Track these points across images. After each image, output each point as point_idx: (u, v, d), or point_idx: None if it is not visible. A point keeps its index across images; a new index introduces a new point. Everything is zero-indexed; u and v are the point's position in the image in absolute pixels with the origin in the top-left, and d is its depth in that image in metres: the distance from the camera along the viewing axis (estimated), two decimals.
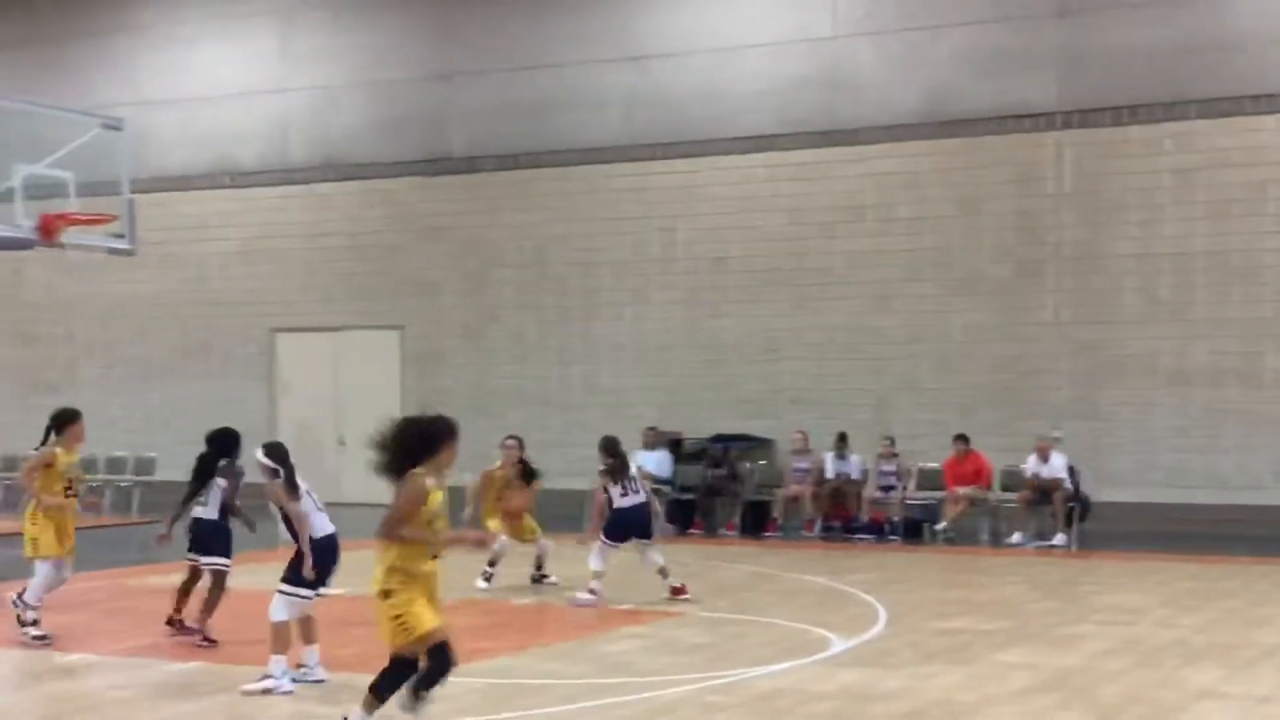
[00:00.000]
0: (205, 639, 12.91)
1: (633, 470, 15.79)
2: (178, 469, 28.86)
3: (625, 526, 15.57)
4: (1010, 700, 10.49)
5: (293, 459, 11.73)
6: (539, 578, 16.96)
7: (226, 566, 13.26)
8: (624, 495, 15.54)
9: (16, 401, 30.64)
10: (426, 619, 8.36)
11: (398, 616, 8.52)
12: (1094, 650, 12.56)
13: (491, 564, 16.63)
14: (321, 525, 11.62)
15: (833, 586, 16.76)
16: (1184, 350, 22.67)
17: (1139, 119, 22.78)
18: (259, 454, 11.68)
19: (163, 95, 29.65)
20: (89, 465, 27.45)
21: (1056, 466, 21.48)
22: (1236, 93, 22.26)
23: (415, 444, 8.39)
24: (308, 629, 11.44)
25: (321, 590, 11.40)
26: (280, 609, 11.05)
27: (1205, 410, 22.41)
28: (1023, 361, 23.47)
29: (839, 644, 12.82)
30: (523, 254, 26.81)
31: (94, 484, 26.99)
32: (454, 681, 9.05)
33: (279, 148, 28.89)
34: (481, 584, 16.38)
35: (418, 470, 8.47)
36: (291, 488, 11.44)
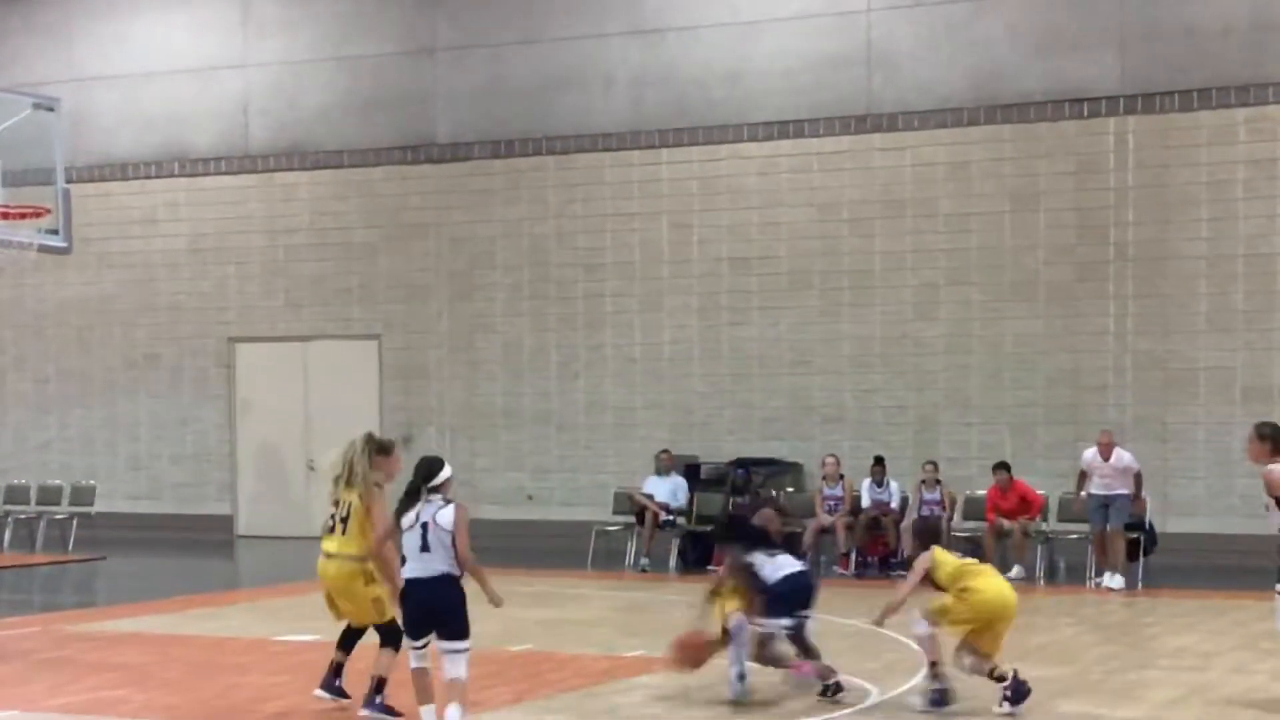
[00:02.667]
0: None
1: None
2: (120, 498, 29.71)
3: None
4: None
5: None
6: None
7: None
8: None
9: None
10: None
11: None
12: (1160, 699, 12.92)
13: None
14: None
15: (869, 629, 17.21)
16: (1262, 363, 23.15)
17: (1211, 103, 23.22)
18: None
19: (103, 70, 29.98)
20: (18, 494, 28.13)
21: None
22: None
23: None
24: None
25: None
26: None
27: None
28: (1081, 376, 23.97)
29: (877, 694, 13.21)
30: (517, 254, 27.28)
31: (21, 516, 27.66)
32: None
33: (237, 131, 29.27)
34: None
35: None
36: None
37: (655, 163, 26.36)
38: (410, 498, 11.09)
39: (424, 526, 10.94)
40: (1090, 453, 21.73)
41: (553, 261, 27.03)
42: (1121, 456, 21.60)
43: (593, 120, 26.74)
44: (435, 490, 11.11)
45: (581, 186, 26.91)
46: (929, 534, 13.21)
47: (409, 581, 11.10)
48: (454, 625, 10.99)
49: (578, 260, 26.86)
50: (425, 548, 10.95)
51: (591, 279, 26.76)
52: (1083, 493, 21.91)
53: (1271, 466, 12.17)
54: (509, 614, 18.11)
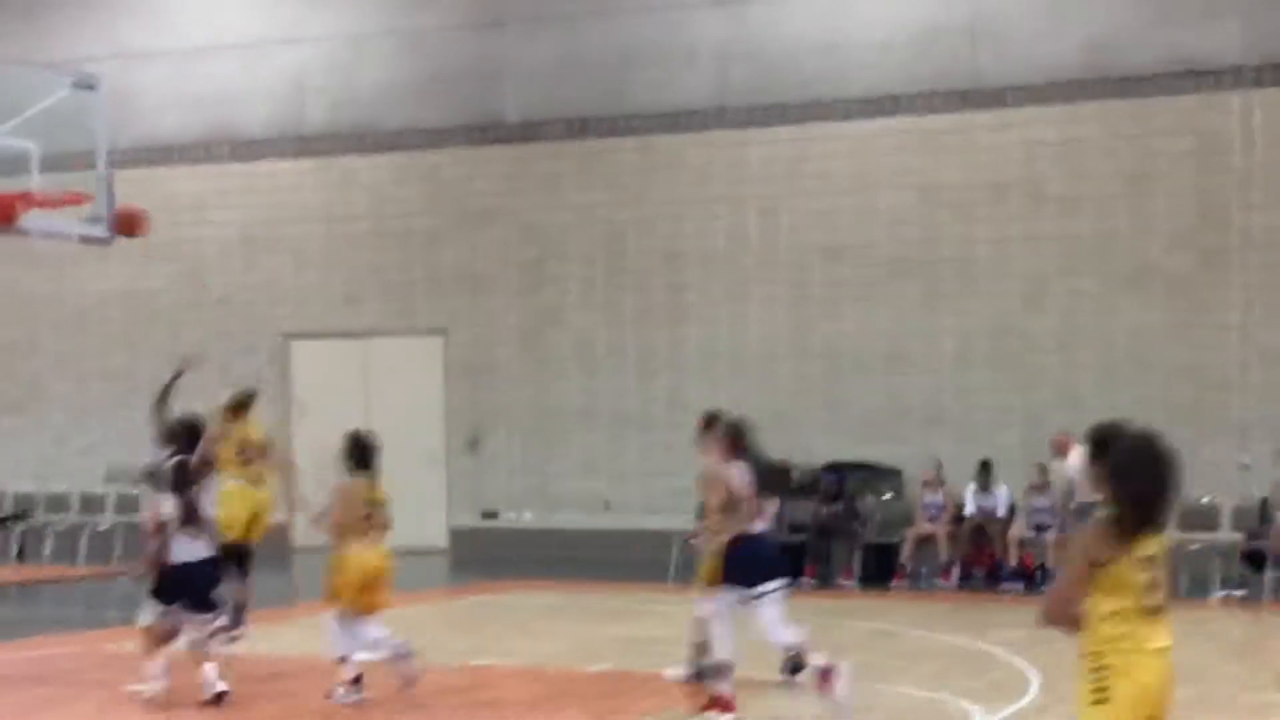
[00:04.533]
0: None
1: None
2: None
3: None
4: None
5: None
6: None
7: None
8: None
9: None
10: None
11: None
12: None
13: None
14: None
15: (973, 647, 17.12)
16: None
17: None
18: None
19: (147, 46, 30.26)
20: (59, 503, 28.45)
21: None
22: None
23: None
24: None
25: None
26: None
27: None
28: (1203, 372, 23.97)
29: (981, 717, 13.32)
30: (592, 242, 27.51)
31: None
32: None
33: (292, 111, 29.58)
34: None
35: None
36: None
37: (741, 143, 26.52)
38: None
39: None
40: None
41: (630, 250, 27.21)
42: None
43: (674, 98, 26.92)
44: None
45: (661, 169, 27.10)
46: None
47: None
48: None
49: (657, 249, 27.04)
50: None
51: (672, 269, 26.94)
52: None
53: None
54: (584, 631, 18.42)
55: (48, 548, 27.80)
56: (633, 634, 18.56)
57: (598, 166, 27.43)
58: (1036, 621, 7.25)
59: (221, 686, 14.07)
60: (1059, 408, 24.59)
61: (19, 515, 28.83)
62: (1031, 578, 22.65)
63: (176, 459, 14.68)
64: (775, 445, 25.37)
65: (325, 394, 29.06)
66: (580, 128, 27.52)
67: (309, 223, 29.38)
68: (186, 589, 14.33)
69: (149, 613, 14.33)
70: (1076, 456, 21.13)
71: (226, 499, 15.40)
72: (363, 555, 14.52)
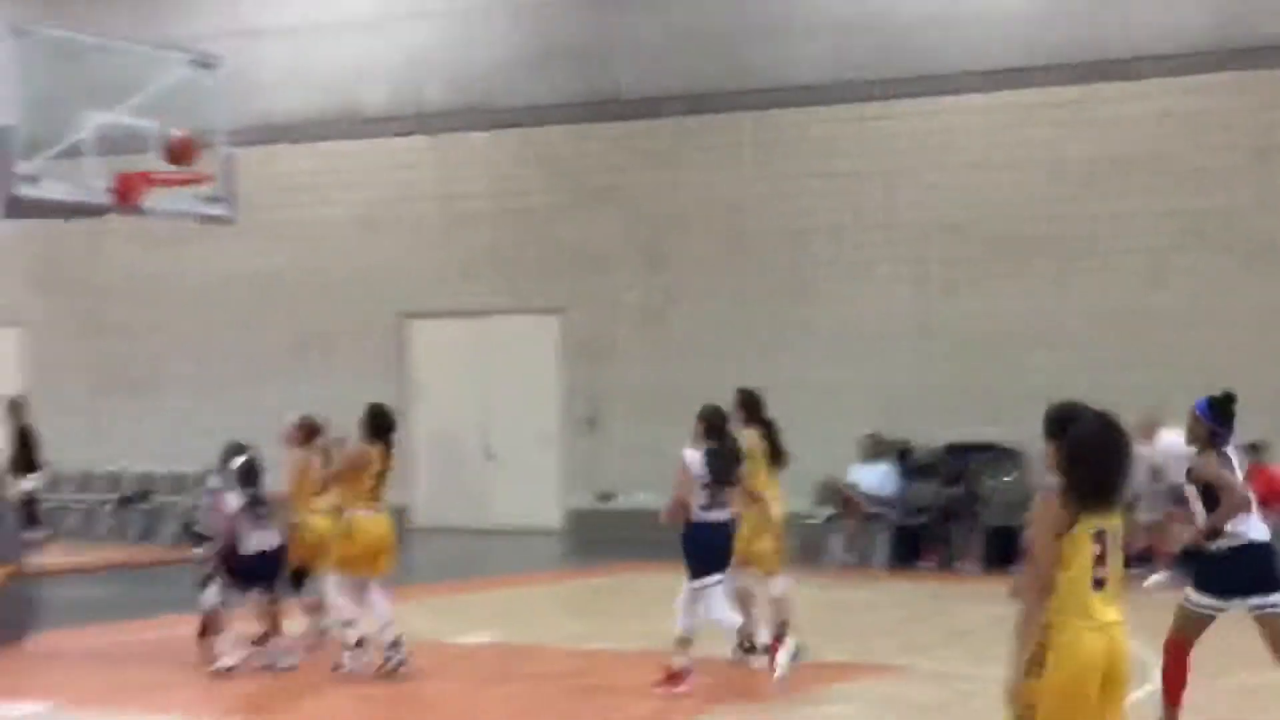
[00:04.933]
0: None
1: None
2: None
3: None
4: None
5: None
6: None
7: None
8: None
9: (90, 404, 31.77)
10: None
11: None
12: None
13: None
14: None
15: None
16: None
17: None
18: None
19: (268, 24, 30.57)
20: (179, 483, 28.76)
21: None
22: None
23: None
24: None
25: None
26: None
27: None
28: None
29: None
30: (712, 220, 27.47)
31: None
32: None
33: (411, 88, 29.76)
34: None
35: None
36: None
37: (861, 118, 26.42)
38: None
39: None
40: None
41: (750, 228, 27.17)
42: None
43: (794, 71, 26.82)
44: None
45: (781, 144, 27.02)
46: None
47: None
48: None
49: (777, 226, 26.97)
50: None
51: (793, 247, 26.87)
52: None
53: None
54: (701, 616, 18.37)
55: (169, 529, 28.09)
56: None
57: (717, 142, 27.38)
58: (1009, 594, 7.76)
59: (231, 661, 14.92)
60: (1186, 388, 24.16)
61: (140, 496, 29.20)
62: (1155, 562, 22.31)
63: (245, 459, 15.58)
64: (896, 426, 25.49)
65: (442, 373, 29.37)
66: (698, 103, 27.46)
67: (426, 201, 29.54)
68: (261, 575, 15.12)
69: (214, 595, 15.23)
70: (1167, 438, 20.86)
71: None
72: (370, 521, 14.95)
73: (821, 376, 26.41)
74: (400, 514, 29.04)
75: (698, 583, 13.97)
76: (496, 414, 28.77)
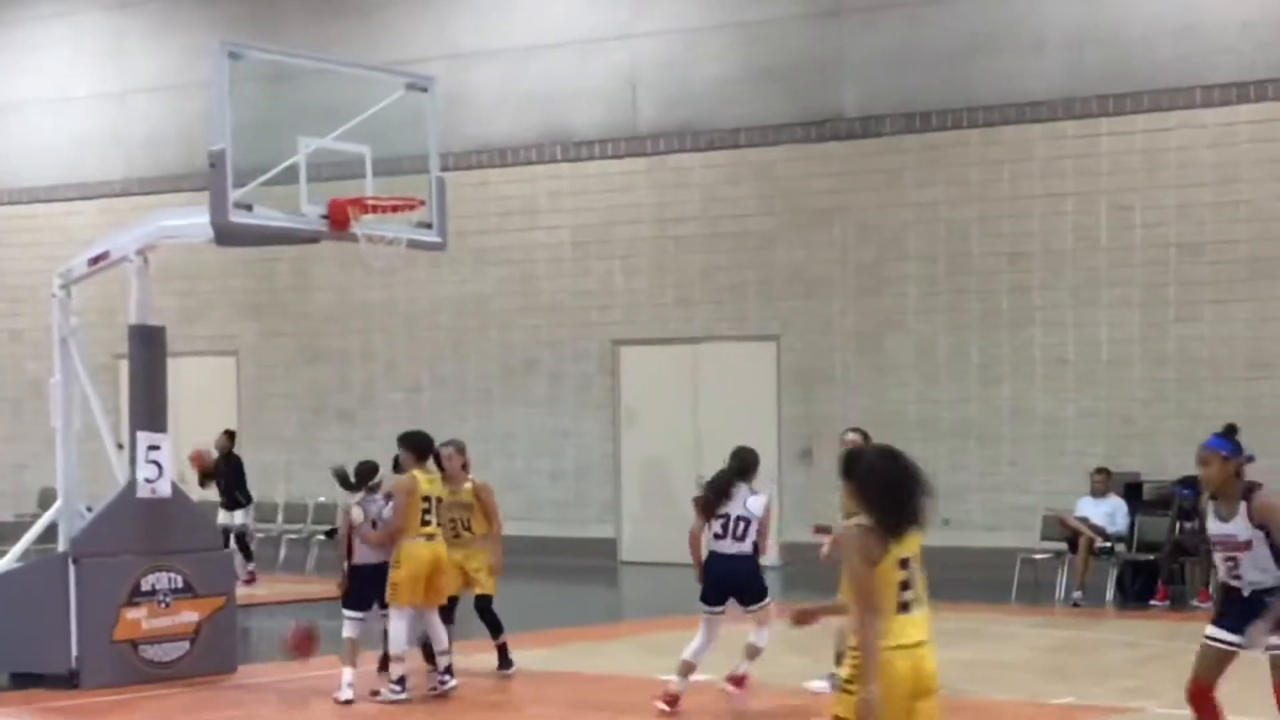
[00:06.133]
0: None
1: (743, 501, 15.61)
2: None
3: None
4: None
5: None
6: None
7: None
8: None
9: (301, 434, 32.49)
10: None
11: None
12: None
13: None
14: None
15: None
16: None
17: None
18: None
19: (479, 46, 30.96)
20: None
21: None
22: None
23: None
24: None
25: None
26: None
27: None
28: None
29: None
30: (933, 241, 27.41)
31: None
32: None
33: (624, 109, 30.02)
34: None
35: None
36: None
37: (1093, 134, 26.24)
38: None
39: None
40: None
41: (974, 250, 27.08)
42: None
43: (1022, 87, 26.73)
44: None
45: (1008, 163, 26.93)
46: None
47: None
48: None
49: (1002, 248, 26.87)
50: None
51: (1017, 269, 26.74)
52: None
53: None
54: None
55: None
56: (972, 658, 18.43)
57: (940, 161, 27.34)
58: (867, 630, 8.12)
59: (349, 695, 15.52)
60: None
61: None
62: None
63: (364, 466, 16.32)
64: (1126, 458, 25.24)
65: (655, 402, 29.48)
66: (921, 121, 27.47)
67: (640, 224, 29.78)
68: (377, 589, 15.76)
69: (350, 627, 15.78)
70: None
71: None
72: (419, 547, 15.56)
73: (1045, 406, 26.26)
74: (609, 546, 29.63)
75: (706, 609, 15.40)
76: (710, 444, 28.68)
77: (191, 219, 17.61)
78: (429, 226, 18.29)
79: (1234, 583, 11.26)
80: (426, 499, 15.67)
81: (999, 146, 26.88)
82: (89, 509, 17.58)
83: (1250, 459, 11.38)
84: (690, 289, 29.37)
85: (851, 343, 28.02)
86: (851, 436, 15.78)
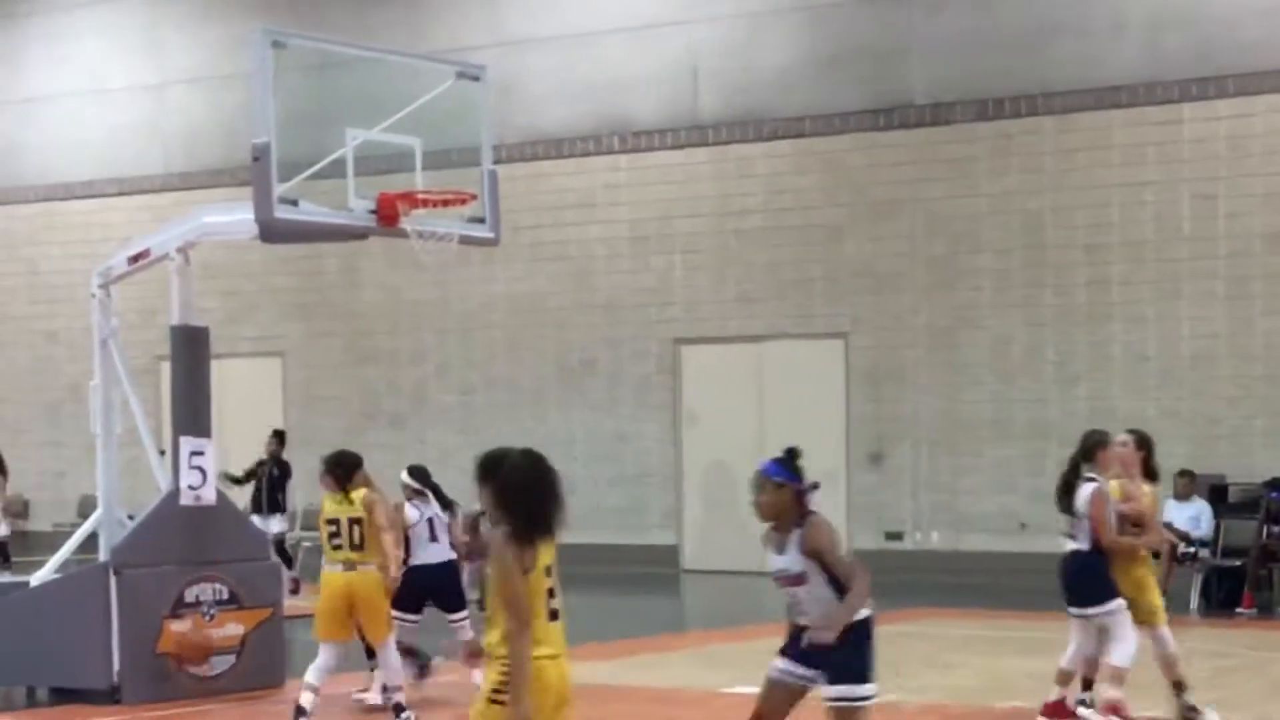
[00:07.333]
0: None
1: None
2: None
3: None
4: None
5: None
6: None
7: None
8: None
9: (349, 438, 32.34)
10: None
11: None
12: None
13: None
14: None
15: None
16: None
17: None
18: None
19: (533, 33, 31.00)
20: None
21: None
22: None
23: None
24: None
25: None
26: None
27: None
28: None
29: None
30: (1007, 233, 27.37)
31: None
32: None
33: (684, 98, 30.00)
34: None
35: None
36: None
37: (1174, 120, 26.19)
38: None
39: None
40: None
41: (1049, 242, 27.06)
42: None
43: (1099, 72, 26.70)
44: None
45: (1084, 151, 26.88)
46: None
47: None
48: None
49: (1079, 240, 26.84)
50: None
51: (1095, 262, 26.70)
52: None
53: None
54: (996, 664, 18.38)
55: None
56: (1050, 668, 18.35)
57: (1013, 150, 27.32)
58: (516, 642, 8.21)
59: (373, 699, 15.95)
60: None
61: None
62: None
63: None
64: (1211, 459, 25.16)
65: (718, 403, 29.49)
66: (994, 108, 27.45)
67: (701, 217, 29.78)
68: (432, 589, 16.20)
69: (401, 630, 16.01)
70: None
71: None
72: (325, 577, 15.56)
73: (1126, 405, 26.13)
74: (670, 554, 29.65)
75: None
76: (774, 446, 28.22)
77: (234, 215, 17.65)
78: (481, 221, 18.33)
79: (800, 619, 10.49)
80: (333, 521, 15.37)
81: (1075, 134, 26.83)
82: (130, 517, 17.71)
83: (814, 486, 10.55)
84: (754, 285, 29.35)
85: (923, 340, 27.99)
86: (1123, 437, 15.15)
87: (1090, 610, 14.53)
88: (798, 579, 10.35)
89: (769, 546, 10.53)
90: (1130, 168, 26.43)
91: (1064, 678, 14.75)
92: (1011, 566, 25.65)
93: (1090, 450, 14.79)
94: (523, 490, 8.36)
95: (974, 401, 27.47)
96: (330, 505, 15.36)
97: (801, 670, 10.44)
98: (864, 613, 10.30)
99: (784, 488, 10.43)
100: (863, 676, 10.34)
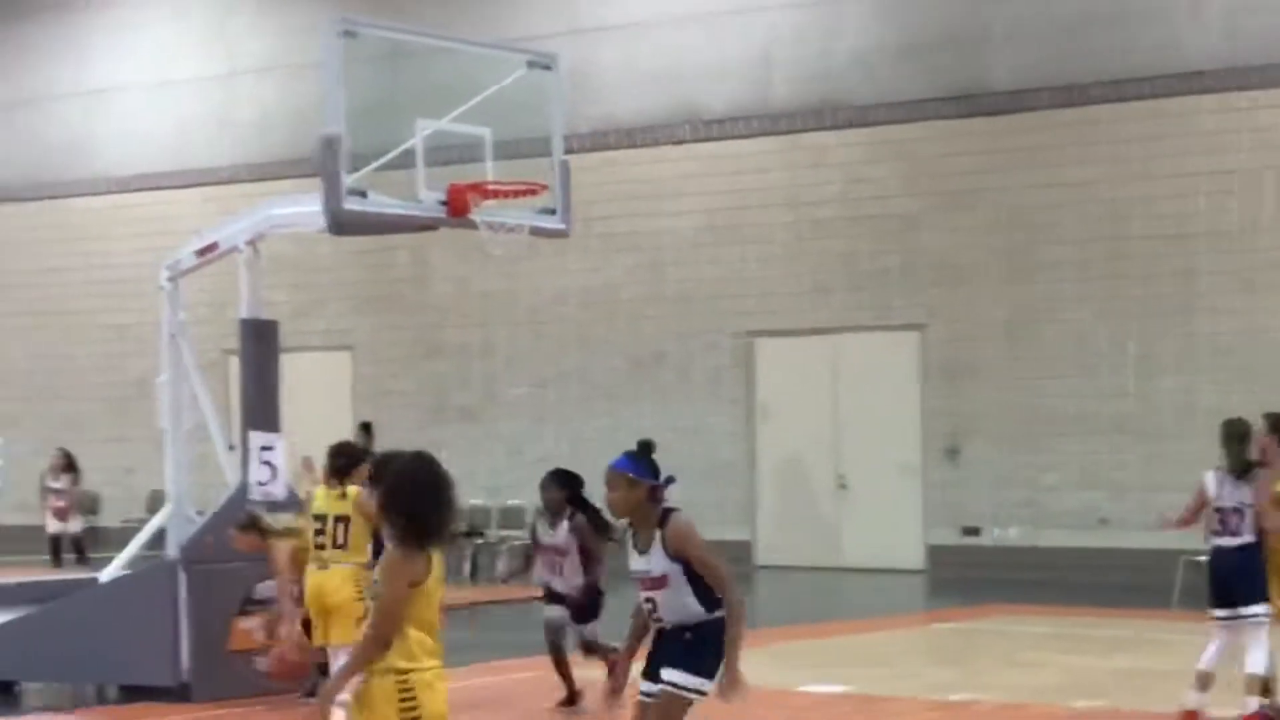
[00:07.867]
0: None
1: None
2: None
3: None
4: None
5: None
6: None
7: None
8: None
9: (419, 433, 32.46)
10: None
11: None
12: None
13: None
14: None
15: None
16: None
17: None
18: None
19: (605, 21, 31.16)
20: (514, 518, 29.34)
21: None
22: None
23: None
24: None
25: None
26: None
27: None
28: None
29: None
30: (1088, 224, 27.29)
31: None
32: None
33: (758, 86, 30.07)
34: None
35: None
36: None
37: (1254, 106, 26.16)
38: None
39: None
40: None
41: (1133, 233, 26.98)
42: None
43: (1181, 56, 26.67)
44: None
45: (1170, 139, 26.81)
46: None
47: None
48: None
49: (1163, 230, 26.75)
50: None
51: (1180, 252, 26.62)
52: None
53: None
54: (1076, 662, 18.35)
55: (501, 566, 28.63)
56: (1131, 666, 18.45)
57: (1096, 137, 27.24)
58: (365, 650, 8.03)
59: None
60: None
61: (471, 532, 29.75)
62: None
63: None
64: None
65: (791, 396, 29.56)
66: (1077, 94, 27.39)
67: (774, 208, 29.81)
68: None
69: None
70: None
71: None
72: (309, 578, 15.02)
73: (1210, 399, 25.97)
74: (743, 549, 29.64)
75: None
76: (849, 441, 28.84)
77: (303, 207, 17.66)
78: (552, 212, 18.33)
79: (657, 624, 10.20)
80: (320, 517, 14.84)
81: (1160, 120, 26.74)
82: (199, 513, 17.80)
83: (669, 481, 10.15)
84: (828, 276, 29.36)
85: (1001, 333, 27.94)
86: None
87: (1250, 610, 14.33)
88: (659, 582, 10.00)
89: (629, 545, 10.20)
90: (1217, 155, 26.33)
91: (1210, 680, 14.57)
92: (1092, 562, 25.62)
93: (1246, 436, 14.51)
94: (413, 495, 8.15)
95: (1054, 395, 27.38)
96: (321, 499, 14.81)
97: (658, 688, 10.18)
98: (717, 612, 9.99)
99: (638, 484, 10.01)
100: (699, 670, 9.97)
